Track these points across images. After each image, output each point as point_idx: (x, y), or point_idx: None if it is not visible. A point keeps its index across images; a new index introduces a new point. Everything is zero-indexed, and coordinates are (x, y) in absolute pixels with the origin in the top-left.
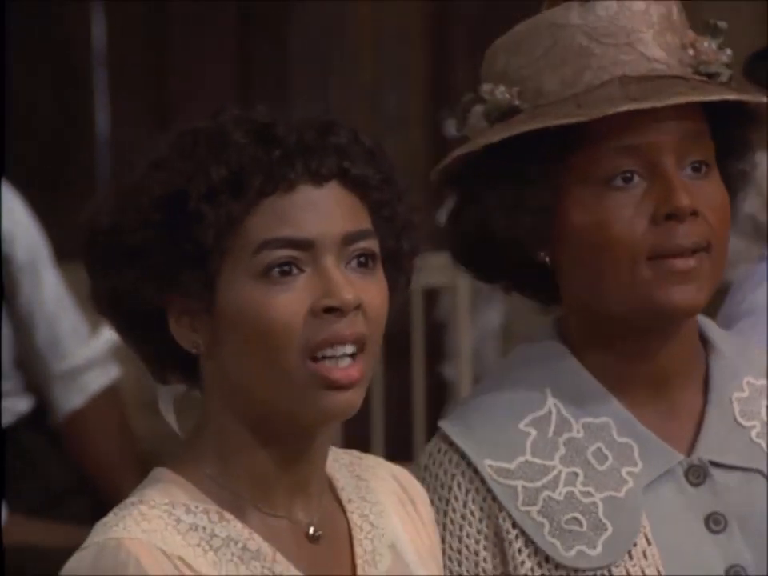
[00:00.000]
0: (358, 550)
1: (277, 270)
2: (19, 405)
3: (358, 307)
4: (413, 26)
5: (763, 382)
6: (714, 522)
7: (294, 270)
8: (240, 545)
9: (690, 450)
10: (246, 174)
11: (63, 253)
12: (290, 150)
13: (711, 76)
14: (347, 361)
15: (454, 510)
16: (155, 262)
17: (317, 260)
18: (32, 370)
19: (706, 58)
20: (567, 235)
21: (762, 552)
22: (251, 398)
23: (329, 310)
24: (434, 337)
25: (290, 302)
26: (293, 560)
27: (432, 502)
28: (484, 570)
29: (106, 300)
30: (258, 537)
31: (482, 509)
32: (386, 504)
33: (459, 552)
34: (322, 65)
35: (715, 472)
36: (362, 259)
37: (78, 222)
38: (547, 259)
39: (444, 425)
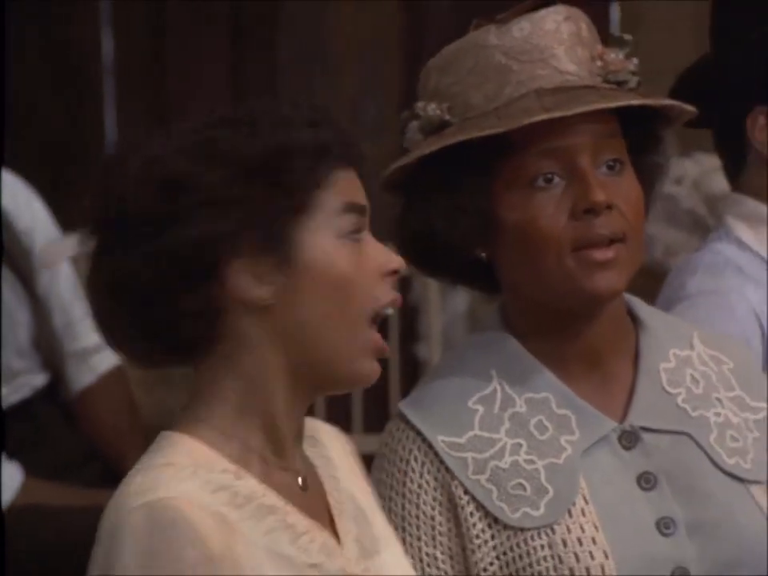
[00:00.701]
0: (330, 500)
1: (351, 232)
2: (36, 380)
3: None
4: (389, 38)
5: (688, 352)
6: (645, 481)
7: (358, 234)
8: (257, 501)
9: (623, 417)
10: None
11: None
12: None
13: (620, 83)
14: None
15: (411, 481)
16: (237, 215)
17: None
18: (48, 349)
19: (614, 68)
20: (501, 234)
21: (689, 504)
22: (313, 351)
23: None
24: (408, 320)
25: (362, 258)
26: (297, 508)
27: (392, 474)
28: (440, 533)
29: (111, 285)
30: (270, 491)
31: (436, 479)
32: (336, 459)
33: (417, 518)
34: (308, 73)
35: (646, 436)
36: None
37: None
38: (483, 255)
39: (402, 406)
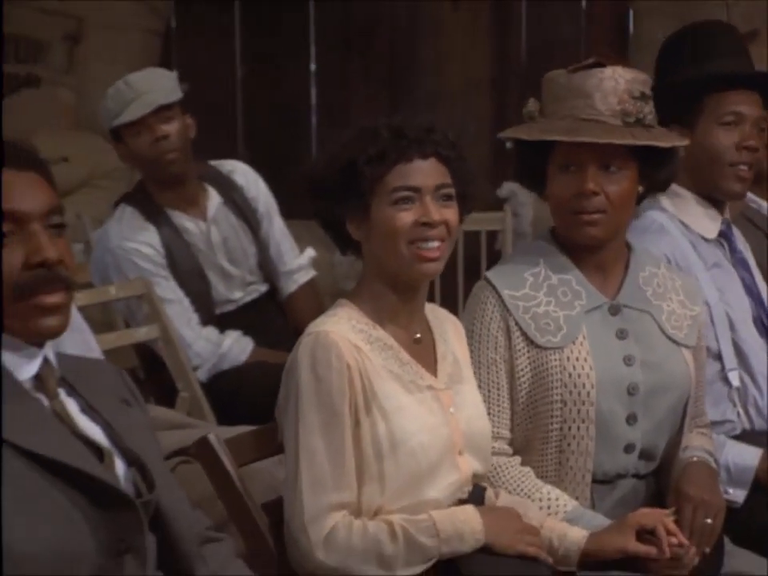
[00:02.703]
0: (438, 351)
1: (402, 202)
2: (261, 288)
3: (444, 222)
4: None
5: (656, 270)
6: (620, 333)
7: (409, 203)
8: (381, 342)
9: (614, 297)
10: (387, 152)
11: (286, 212)
12: (409, 140)
13: (638, 120)
14: (435, 244)
15: (485, 314)
16: (341, 197)
17: (422, 198)
18: (267, 270)
19: (629, 111)
20: (550, 188)
21: (644, 350)
22: (387, 265)
23: (425, 224)
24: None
25: (406, 216)
26: (407, 351)
27: (474, 310)
28: (499, 345)
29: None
30: (390, 338)
31: (500, 314)
32: (449, 331)
33: (487, 336)
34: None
35: (625, 309)
36: (446, 196)
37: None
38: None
39: (487, 273)
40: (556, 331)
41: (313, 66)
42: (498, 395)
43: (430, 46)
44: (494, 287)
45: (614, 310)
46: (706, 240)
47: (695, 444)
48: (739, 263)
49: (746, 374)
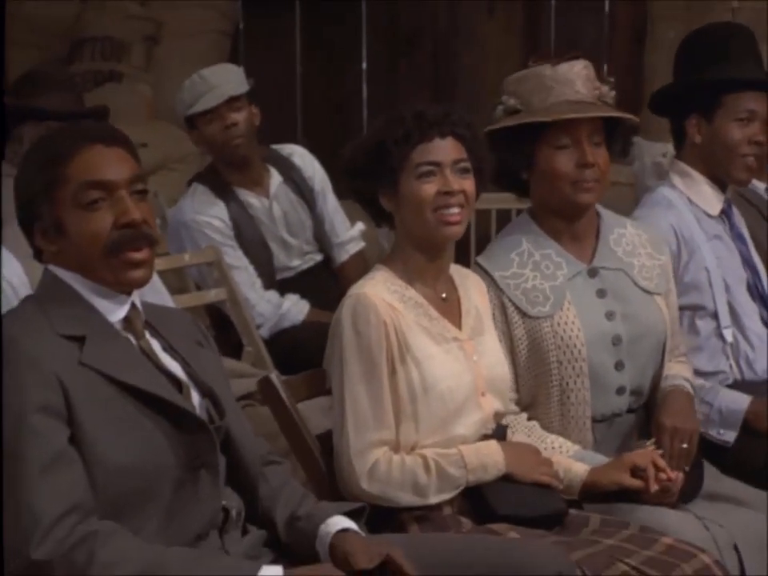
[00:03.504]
0: (462, 307)
1: (425, 176)
2: (316, 257)
3: (462, 191)
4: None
5: (624, 230)
6: (600, 293)
7: (432, 176)
8: (413, 300)
9: (590, 261)
10: (411, 133)
11: (339, 192)
12: (430, 122)
13: (606, 102)
14: (456, 210)
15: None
16: (373, 174)
17: (442, 171)
18: (322, 241)
19: (602, 94)
20: (537, 168)
21: (622, 305)
22: (415, 231)
23: (446, 193)
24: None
25: (430, 187)
26: (435, 308)
27: None
28: (498, 321)
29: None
30: (421, 297)
31: (495, 294)
32: (472, 289)
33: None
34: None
35: (601, 271)
36: (463, 170)
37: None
38: (525, 177)
39: (478, 258)
40: (545, 301)
41: (364, 66)
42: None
43: (468, 47)
44: (485, 270)
45: (592, 273)
46: (709, 216)
47: (673, 372)
48: (737, 237)
49: (739, 332)
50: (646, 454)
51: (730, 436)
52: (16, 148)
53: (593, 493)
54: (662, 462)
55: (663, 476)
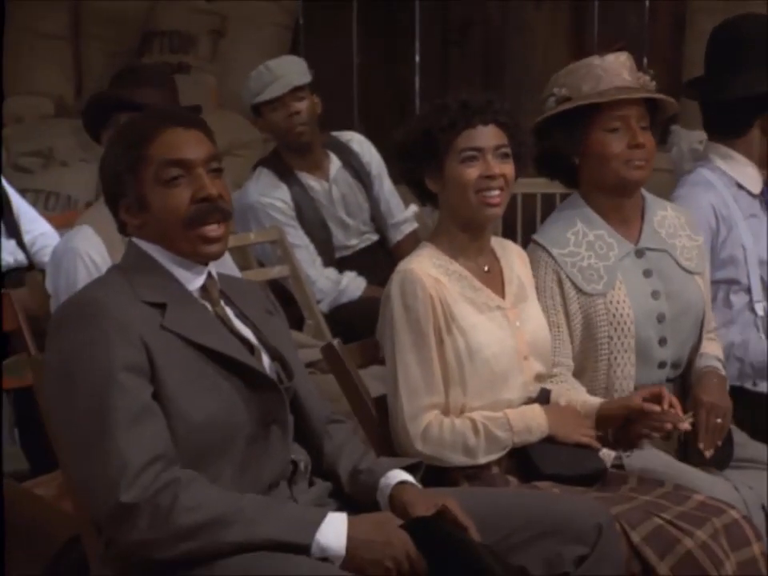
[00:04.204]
0: (504, 277)
1: (468, 160)
2: (373, 237)
3: (503, 175)
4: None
5: (665, 213)
6: (647, 273)
7: (475, 161)
8: (458, 273)
9: (637, 242)
10: (456, 121)
11: (395, 177)
12: (473, 110)
13: (648, 89)
14: (496, 192)
15: (538, 269)
16: (420, 159)
17: (484, 156)
18: (378, 222)
19: (645, 82)
20: (588, 151)
21: (666, 284)
22: (459, 211)
23: (488, 177)
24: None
25: (473, 171)
26: (478, 279)
27: (532, 268)
28: (554, 294)
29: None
30: (465, 270)
31: (553, 270)
32: (514, 259)
33: (544, 289)
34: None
35: (647, 252)
36: (504, 155)
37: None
38: (577, 161)
39: (534, 236)
40: (599, 280)
41: (417, 58)
42: (559, 332)
43: (516, 40)
44: (543, 248)
45: (639, 254)
46: (748, 194)
47: (707, 351)
48: None
49: None
50: (659, 385)
51: (763, 386)
52: (111, 134)
53: (610, 421)
54: (674, 399)
55: (673, 411)
